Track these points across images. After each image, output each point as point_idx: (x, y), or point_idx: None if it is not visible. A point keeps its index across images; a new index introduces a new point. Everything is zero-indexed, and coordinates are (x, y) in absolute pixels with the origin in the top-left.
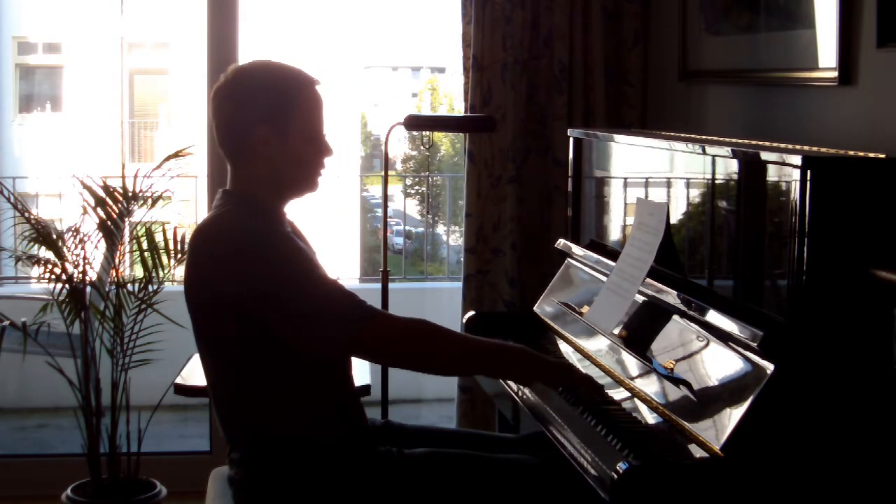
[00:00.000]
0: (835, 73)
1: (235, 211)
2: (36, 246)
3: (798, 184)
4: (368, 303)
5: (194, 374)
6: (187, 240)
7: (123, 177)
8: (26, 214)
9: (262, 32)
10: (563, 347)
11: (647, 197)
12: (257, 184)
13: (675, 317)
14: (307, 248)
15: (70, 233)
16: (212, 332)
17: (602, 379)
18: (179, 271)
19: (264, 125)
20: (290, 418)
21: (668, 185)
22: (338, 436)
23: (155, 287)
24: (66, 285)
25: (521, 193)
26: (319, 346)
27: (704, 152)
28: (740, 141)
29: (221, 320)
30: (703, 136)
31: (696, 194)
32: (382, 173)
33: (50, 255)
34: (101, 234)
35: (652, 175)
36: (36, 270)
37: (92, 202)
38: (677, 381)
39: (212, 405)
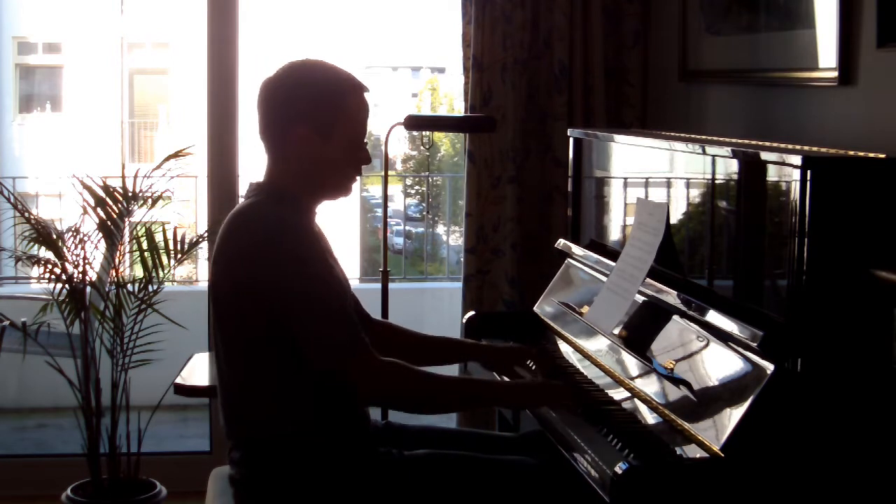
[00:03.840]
0: (835, 73)
1: (266, 202)
2: (36, 246)
3: (798, 184)
4: (361, 336)
5: (194, 374)
6: (188, 240)
7: (123, 177)
8: (26, 214)
9: (262, 32)
10: (563, 347)
11: (647, 197)
12: (291, 180)
13: (675, 317)
14: (329, 251)
15: (70, 233)
16: (228, 321)
17: (602, 379)
18: (179, 271)
19: (307, 124)
20: (293, 417)
21: (668, 185)
22: (340, 436)
23: (155, 287)
24: (66, 285)
25: (521, 193)
26: (312, 356)
27: (704, 152)
28: (740, 141)
29: (237, 310)
30: (703, 136)
31: (696, 194)
32: (382, 173)
33: (50, 255)
34: (101, 234)
35: (652, 175)
36: (36, 270)
37: (92, 202)
38: (677, 381)
39: (218, 400)
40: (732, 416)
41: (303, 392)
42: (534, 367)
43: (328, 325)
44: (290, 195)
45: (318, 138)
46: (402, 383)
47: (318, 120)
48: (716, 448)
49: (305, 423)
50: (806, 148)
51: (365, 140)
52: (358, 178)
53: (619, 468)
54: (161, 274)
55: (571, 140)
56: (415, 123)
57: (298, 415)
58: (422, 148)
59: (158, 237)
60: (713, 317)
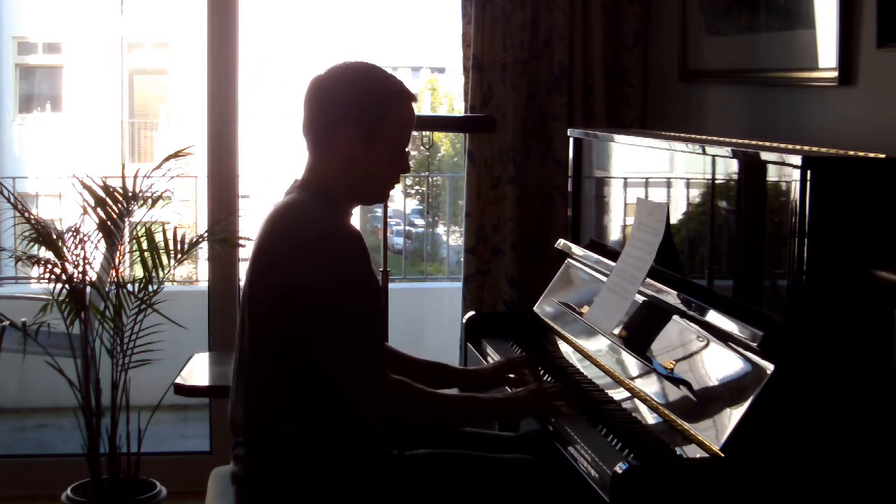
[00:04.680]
0: (835, 73)
1: (311, 202)
2: (36, 246)
3: (798, 184)
4: (380, 360)
5: (194, 374)
6: (188, 240)
7: (123, 177)
8: (26, 214)
9: (262, 32)
10: (564, 347)
11: (647, 197)
12: (332, 181)
13: (675, 317)
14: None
15: (70, 233)
16: (260, 318)
17: (602, 379)
18: (179, 271)
19: (353, 127)
20: (305, 419)
21: (668, 185)
22: (346, 438)
23: (155, 287)
24: (66, 285)
25: (521, 193)
26: (322, 365)
27: (704, 152)
28: (740, 141)
29: (272, 308)
30: (703, 136)
31: (696, 194)
32: None
33: (50, 255)
34: (101, 234)
35: (652, 175)
36: (36, 270)
37: (92, 202)
38: (677, 381)
39: (230, 397)
40: (732, 416)
41: (317, 395)
42: (527, 374)
43: (351, 341)
44: (330, 195)
45: (362, 142)
46: (405, 409)
47: (365, 124)
48: (716, 448)
49: (317, 424)
50: (806, 148)
51: (407, 149)
52: (396, 185)
53: (619, 468)
54: (161, 274)
55: (571, 140)
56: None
57: (310, 416)
58: (422, 148)
59: (158, 237)
60: (713, 317)
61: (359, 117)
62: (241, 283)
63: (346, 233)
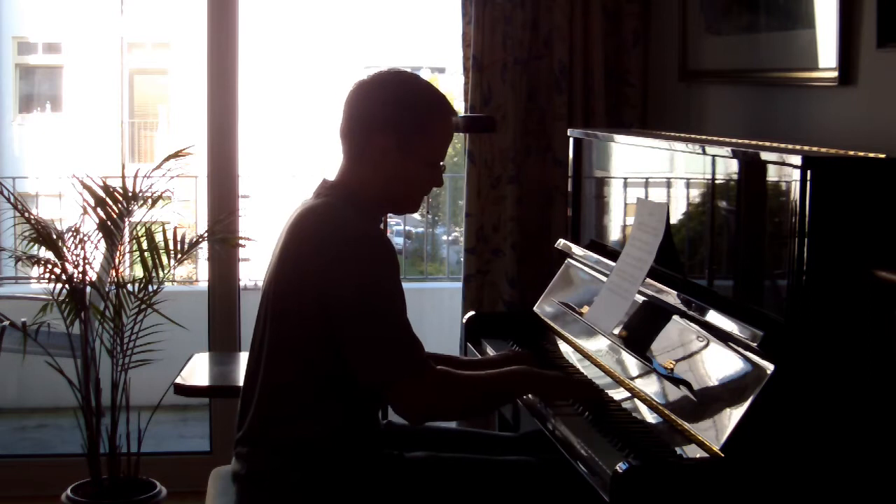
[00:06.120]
0: (835, 73)
1: (341, 205)
2: (36, 246)
3: (798, 184)
4: (423, 355)
5: (194, 374)
6: (188, 240)
7: (123, 177)
8: (26, 214)
9: (262, 32)
10: (563, 347)
11: (647, 197)
12: (364, 186)
13: (675, 317)
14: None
15: (70, 233)
16: (282, 318)
17: (602, 379)
18: (179, 271)
19: (391, 135)
20: (321, 421)
21: (668, 185)
22: (356, 441)
23: (155, 287)
24: (66, 285)
25: (521, 193)
26: (361, 369)
27: (704, 152)
28: (740, 141)
29: (297, 308)
30: (703, 136)
31: (696, 194)
32: None
33: (50, 255)
34: (101, 234)
35: (652, 175)
36: (36, 270)
37: (92, 202)
38: (677, 381)
39: (240, 396)
40: (732, 416)
41: (337, 396)
42: None
43: (392, 342)
44: (360, 201)
45: (398, 152)
46: (454, 398)
47: (403, 134)
48: (716, 448)
49: (331, 427)
50: (806, 148)
51: (442, 163)
52: (426, 197)
53: (619, 468)
54: (161, 274)
55: (571, 140)
56: None
57: (327, 419)
58: None
59: (158, 237)
60: (713, 317)
61: (398, 126)
62: (241, 283)
63: (376, 236)
